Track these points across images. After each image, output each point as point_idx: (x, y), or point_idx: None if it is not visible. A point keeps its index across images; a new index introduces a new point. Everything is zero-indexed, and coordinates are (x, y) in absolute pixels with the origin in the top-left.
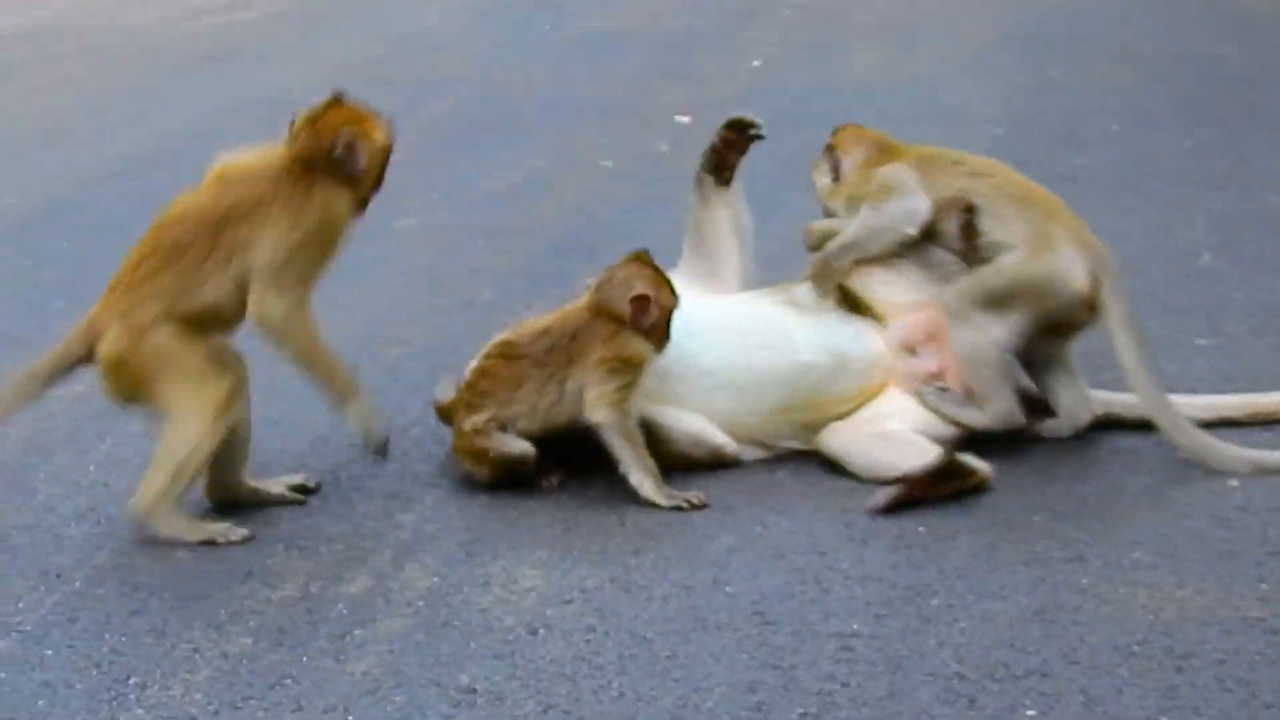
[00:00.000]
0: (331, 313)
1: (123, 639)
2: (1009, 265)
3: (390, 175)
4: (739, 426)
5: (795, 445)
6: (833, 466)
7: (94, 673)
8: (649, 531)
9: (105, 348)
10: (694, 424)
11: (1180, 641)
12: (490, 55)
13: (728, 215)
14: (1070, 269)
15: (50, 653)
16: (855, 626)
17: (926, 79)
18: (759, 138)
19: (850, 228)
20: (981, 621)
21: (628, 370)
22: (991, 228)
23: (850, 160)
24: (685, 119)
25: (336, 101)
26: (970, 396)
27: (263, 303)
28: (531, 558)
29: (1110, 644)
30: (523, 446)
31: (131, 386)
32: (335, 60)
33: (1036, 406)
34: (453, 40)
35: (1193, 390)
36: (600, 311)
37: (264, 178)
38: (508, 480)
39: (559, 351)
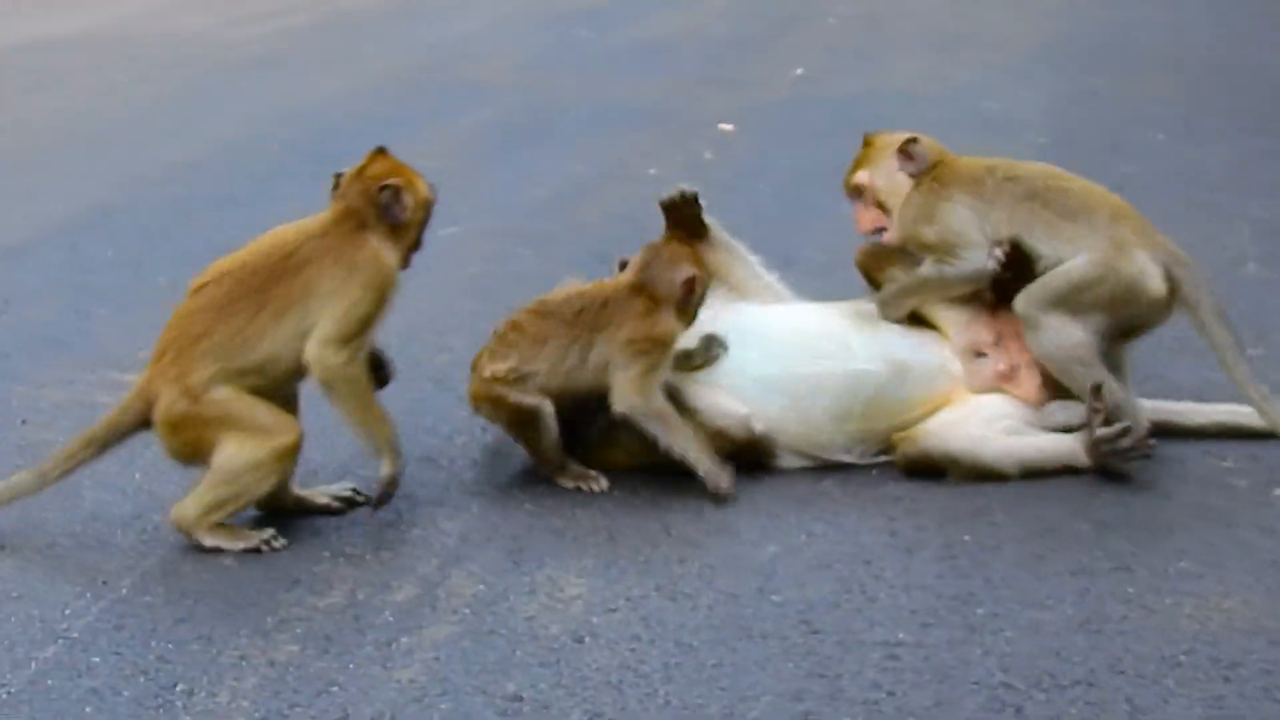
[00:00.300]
0: None
1: (169, 646)
2: (1078, 269)
3: (436, 181)
4: (792, 435)
5: (849, 459)
6: (878, 476)
7: (141, 680)
8: (694, 540)
9: (162, 411)
10: (711, 396)
11: (1226, 651)
12: (534, 63)
13: (724, 258)
14: (1145, 273)
15: (97, 660)
16: (901, 635)
17: (971, 88)
18: (697, 206)
19: (913, 277)
20: (1027, 631)
21: (657, 351)
22: (1055, 249)
23: (906, 171)
24: (728, 127)
25: (380, 154)
26: (1049, 399)
27: (320, 355)
28: (577, 565)
29: (1156, 654)
30: (536, 400)
31: (193, 447)
32: (379, 68)
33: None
34: (496, 48)
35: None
36: (643, 290)
37: (313, 234)
38: (519, 433)
39: (587, 315)
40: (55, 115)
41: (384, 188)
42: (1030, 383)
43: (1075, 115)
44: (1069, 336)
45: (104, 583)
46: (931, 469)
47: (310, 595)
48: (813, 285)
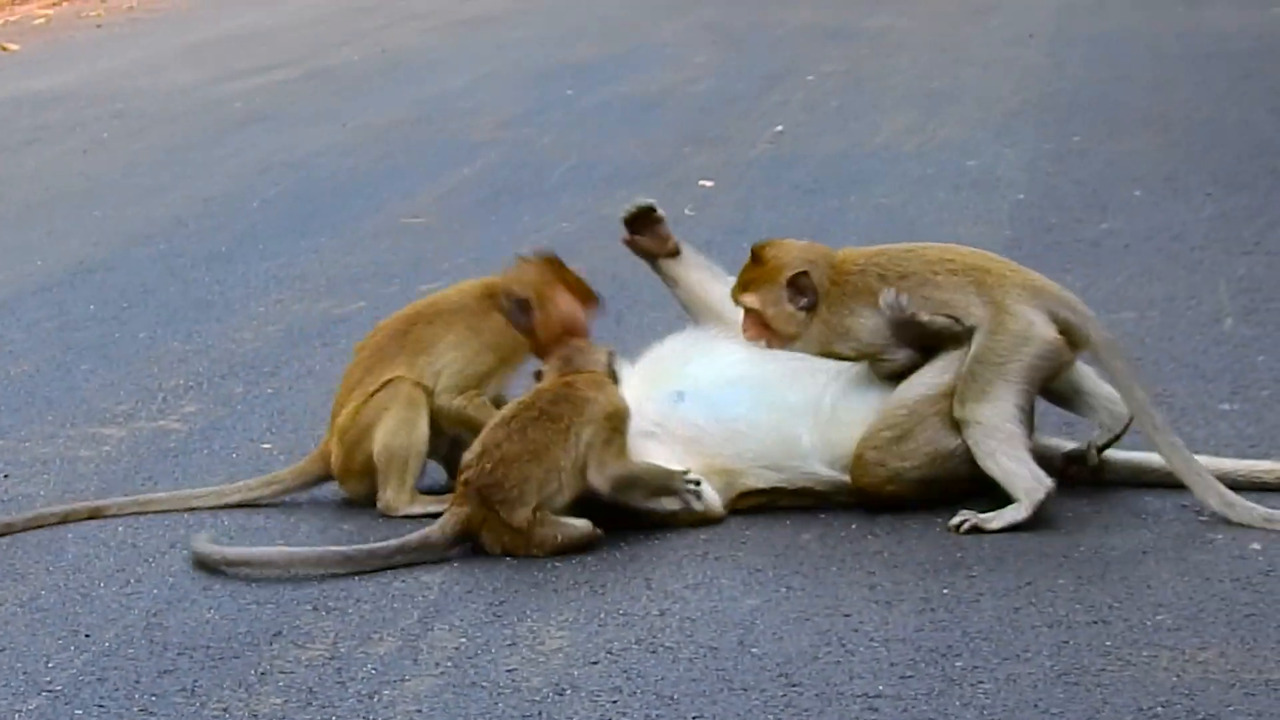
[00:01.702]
0: None
1: (152, 698)
2: (979, 351)
3: (416, 238)
4: (762, 437)
5: (824, 470)
6: (857, 530)
7: None
8: (674, 593)
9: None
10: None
11: (1203, 704)
12: (518, 120)
13: (699, 278)
14: (1032, 323)
15: (80, 712)
16: (880, 688)
17: (952, 145)
18: (656, 215)
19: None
20: (1006, 683)
21: (621, 421)
22: (964, 319)
23: (798, 305)
24: (709, 183)
25: (547, 261)
26: None
27: (437, 398)
28: (558, 619)
29: (1134, 706)
30: (583, 524)
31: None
32: (364, 124)
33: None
34: (480, 104)
35: (1217, 455)
36: (576, 378)
37: (454, 292)
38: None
39: (564, 402)
40: (40, 171)
41: (510, 295)
42: None
43: (1056, 172)
44: (989, 417)
45: (86, 635)
46: (888, 479)
47: (293, 647)
48: None
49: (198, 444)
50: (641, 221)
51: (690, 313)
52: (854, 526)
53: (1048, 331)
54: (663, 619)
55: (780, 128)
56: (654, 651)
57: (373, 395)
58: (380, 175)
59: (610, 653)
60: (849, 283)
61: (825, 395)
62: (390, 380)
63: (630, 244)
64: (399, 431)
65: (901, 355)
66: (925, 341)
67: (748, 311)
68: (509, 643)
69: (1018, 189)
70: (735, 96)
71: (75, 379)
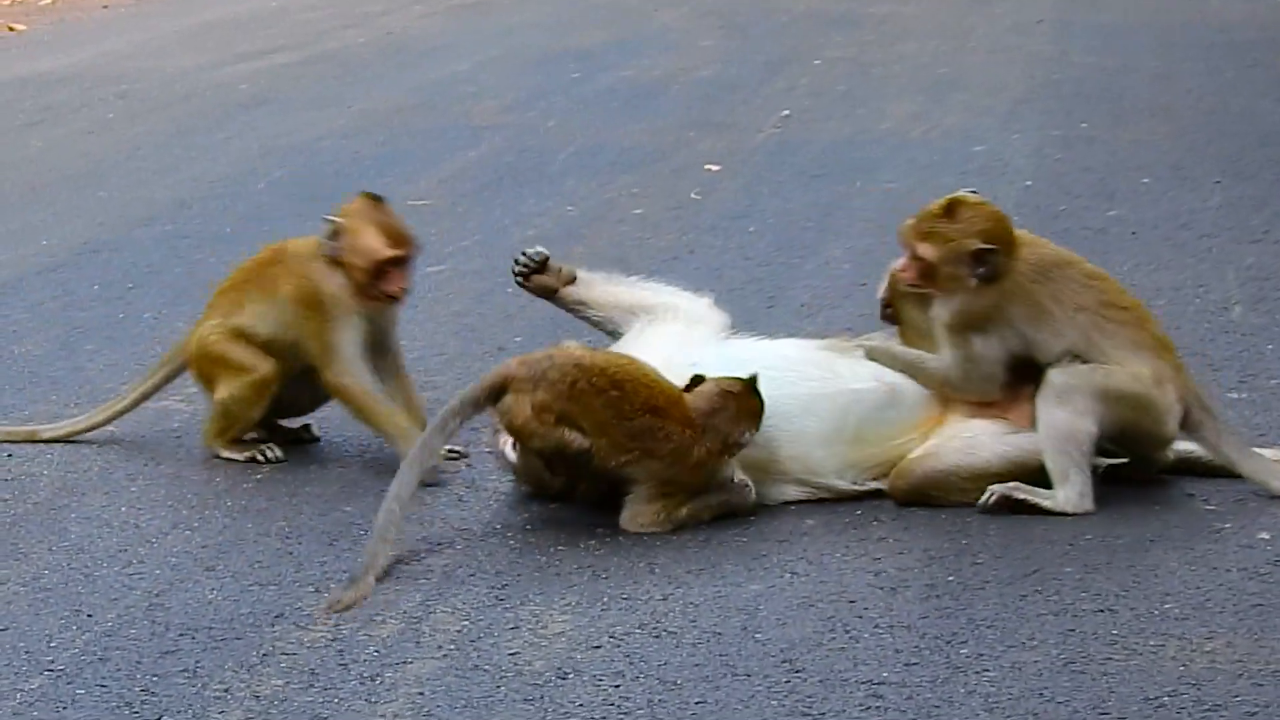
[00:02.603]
0: None
1: (154, 679)
2: (1125, 380)
3: (420, 221)
4: (783, 459)
5: (842, 484)
6: (862, 516)
7: (125, 713)
8: (678, 578)
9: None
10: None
11: (1210, 693)
12: (522, 104)
13: (606, 289)
14: (1171, 412)
15: (82, 692)
16: (884, 675)
17: (958, 131)
18: (544, 261)
19: (909, 357)
20: (1011, 671)
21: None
22: (1105, 353)
23: (975, 274)
24: (715, 168)
25: (368, 198)
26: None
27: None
28: (561, 602)
29: (1140, 695)
30: (582, 441)
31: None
32: (367, 107)
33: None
34: (485, 88)
35: None
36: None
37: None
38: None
39: (654, 437)
40: (45, 153)
41: (325, 220)
42: (1026, 409)
43: (1062, 159)
44: (1081, 424)
45: (89, 615)
46: (927, 498)
47: (295, 629)
48: (798, 326)
49: (201, 425)
50: (526, 271)
51: (608, 327)
52: (859, 513)
53: (1174, 427)
54: (666, 603)
55: (787, 112)
56: (657, 636)
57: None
58: (384, 159)
59: (613, 637)
60: (1025, 289)
61: (848, 419)
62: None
63: (526, 287)
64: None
65: (980, 391)
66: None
67: (915, 257)
68: (511, 626)
69: (1024, 176)
70: (740, 82)
71: (79, 359)
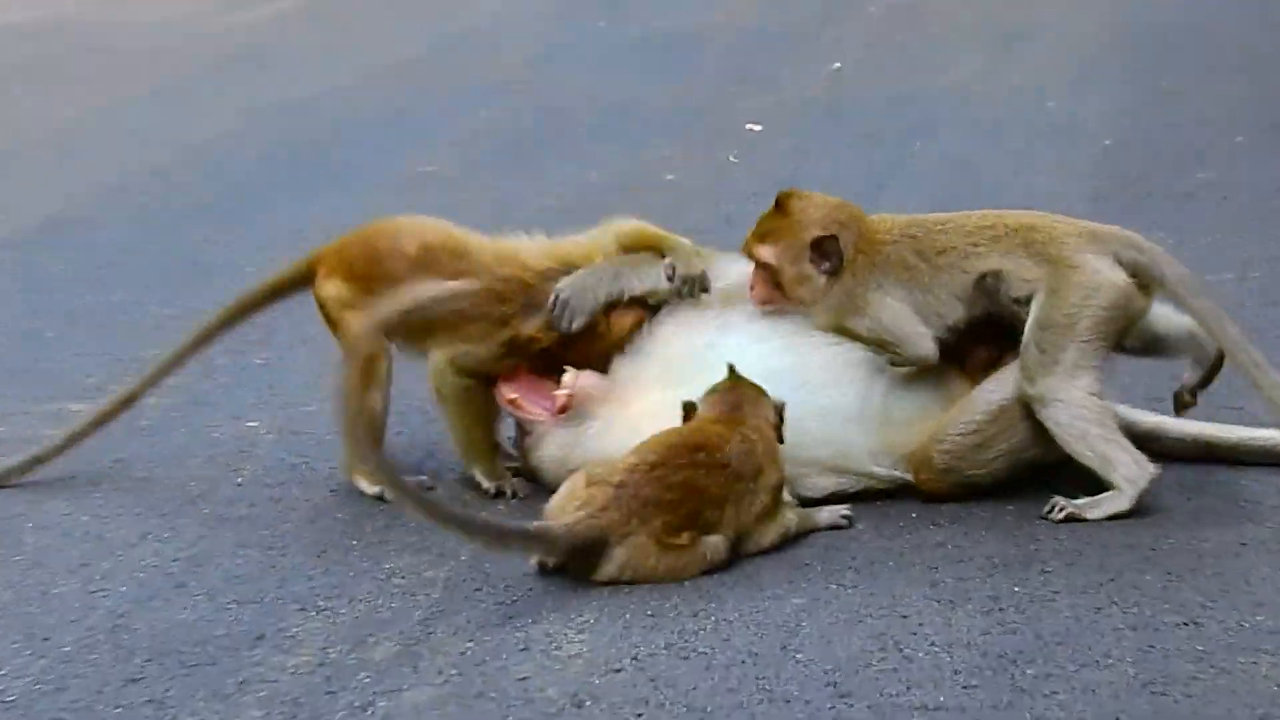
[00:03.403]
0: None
1: (117, 710)
2: (1042, 314)
3: (430, 190)
4: (812, 438)
5: (880, 471)
6: (916, 519)
7: None
8: (709, 592)
9: None
10: None
11: None
12: (544, 59)
13: None
14: (1097, 271)
15: None
16: (941, 698)
17: (1029, 86)
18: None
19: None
20: (1083, 694)
21: (782, 498)
22: (1017, 288)
23: (820, 270)
24: (757, 127)
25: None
26: None
27: None
28: (577, 620)
29: (1229, 718)
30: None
31: None
32: (375, 63)
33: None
34: (503, 42)
35: None
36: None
37: None
38: None
39: (748, 460)
40: (9, 114)
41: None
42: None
43: (1146, 116)
44: (1076, 397)
45: (45, 639)
46: (955, 483)
47: (277, 653)
48: None
49: (175, 421)
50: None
51: None
52: (914, 516)
53: (1116, 276)
54: (696, 621)
55: (838, 65)
56: (685, 658)
57: None
58: (391, 120)
59: (636, 659)
60: (881, 254)
61: (874, 393)
62: None
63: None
64: None
65: (924, 350)
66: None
67: (759, 267)
68: (521, 647)
69: (1102, 136)
70: (786, 32)
71: (41, 348)
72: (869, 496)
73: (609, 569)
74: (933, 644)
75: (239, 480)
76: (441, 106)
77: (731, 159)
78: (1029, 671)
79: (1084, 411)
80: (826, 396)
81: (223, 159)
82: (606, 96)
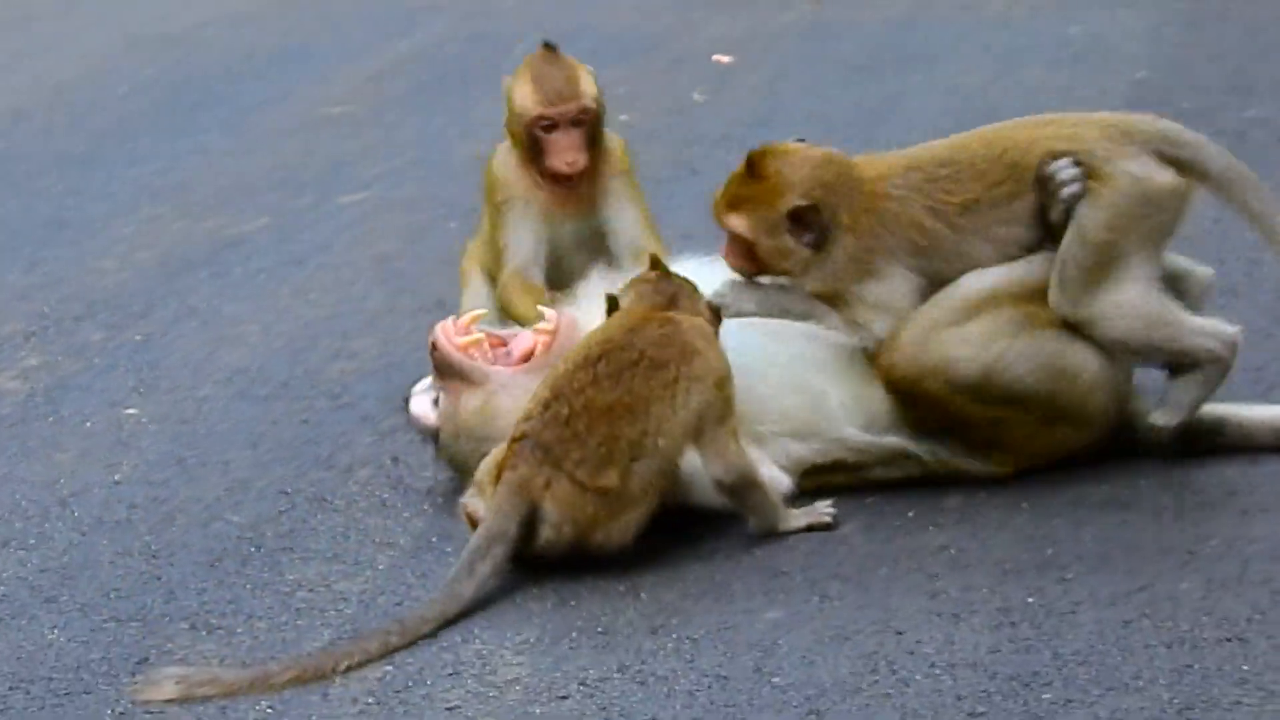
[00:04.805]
0: (258, 316)
1: None
2: (1083, 229)
3: (335, 135)
4: (784, 406)
5: (856, 435)
6: (914, 519)
7: None
8: (671, 605)
9: None
10: None
11: None
12: None
13: None
14: (1139, 177)
15: None
16: None
17: (1049, 6)
18: None
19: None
20: None
21: (733, 394)
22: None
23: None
24: (726, 59)
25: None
26: None
27: None
28: (516, 639)
29: None
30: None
31: None
32: None
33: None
34: None
35: None
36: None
37: None
38: None
39: (670, 347)
40: None
41: None
42: None
43: (1185, 43)
44: (1129, 311)
45: None
46: (931, 396)
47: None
48: None
49: (41, 409)
50: None
51: None
52: (911, 515)
53: (1163, 177)
54: (655, 639)
55: None
56: (642, 682)
57: None
58: (288, 52)
59: (584, 684)
60: (887, 212)
61: (847, 343)
62: None
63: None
64: None
65: (874, 332)
66: None
67: (731, 235)
68: (450, 671)
69: (1137, 64)
70: None
71: None
72: (857, 492)
73: (547, 534)
74: (932, 665)
75: (116, 478)
76: (348, 35)
77: (696, 96)
78: (1045, 696)
79: (1139, 312)
80: (796, 346)
81: (91, 99)
82: (547, 21)
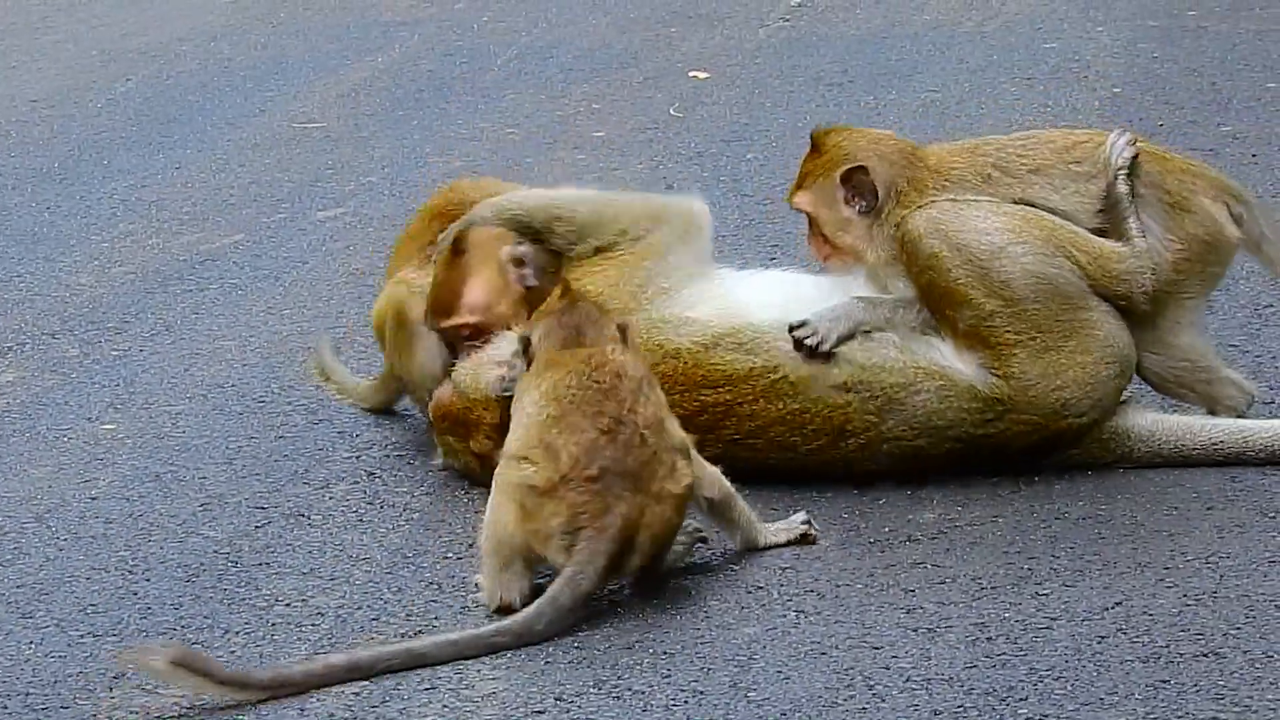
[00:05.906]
0: (234, 332)
1: None
2: (1145, 257)
3: (310, 150)
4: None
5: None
6: (890, 535)
7: None
8: (647, 619)
9: None
10: None
11: None
12: None
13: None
14: (1220, 226)
15: None
16: None
17: (1024, 22)
18: None
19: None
20: None
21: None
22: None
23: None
24: (702, 75)
25: None
26: None
27: None
28: (492, 655)
29: None
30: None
31: None
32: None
33: None
34: None
35: None
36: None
37: None
38: None
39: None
40: None
41: None
42: None
43: (1161, 59)
44: (1180, 350)
45: None
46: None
47: (140, 694)
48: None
49: (16, 424)
50: None
51: None
52: (887, 530)
53: (1233, 231)
54: (631, 654)
55: (797, 1)
56: (618, 698)
57: None
58: (264, 67)
59: (560, 700)
60: (950, 174)
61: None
62: None
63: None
64: None
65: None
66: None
67: (811, 221)
68: (426, 686)
69: (1111, 81)
70: None
71: None
72: (833, 508)
73: (633, 562)
74: (908, 680)
75: (92, 493)
76: (323, 50)
77: (672, 111)
78: (1021, 711)
79: (1185, 363)
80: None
81: (67, 114)
82: (524, 37)
